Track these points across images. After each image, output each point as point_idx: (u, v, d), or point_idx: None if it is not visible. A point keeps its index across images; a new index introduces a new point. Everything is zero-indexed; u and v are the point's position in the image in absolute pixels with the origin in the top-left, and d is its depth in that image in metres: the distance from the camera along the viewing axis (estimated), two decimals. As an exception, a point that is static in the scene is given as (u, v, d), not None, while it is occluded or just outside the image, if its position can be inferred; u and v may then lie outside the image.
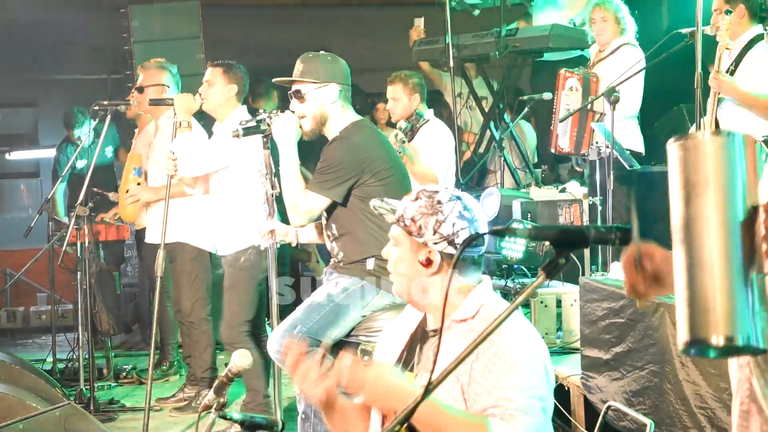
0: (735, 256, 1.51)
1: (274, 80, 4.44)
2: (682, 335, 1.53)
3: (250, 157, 5.21)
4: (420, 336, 2.58)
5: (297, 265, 7.98)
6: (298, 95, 4.23)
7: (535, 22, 7.51)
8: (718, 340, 1.49)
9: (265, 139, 4.29)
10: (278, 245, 4.44)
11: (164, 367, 6.91)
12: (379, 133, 4.46)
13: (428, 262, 2.48)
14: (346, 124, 4.26)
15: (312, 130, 4.26)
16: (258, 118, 4.32)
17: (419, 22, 7.69)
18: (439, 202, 2.48)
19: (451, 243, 2.45)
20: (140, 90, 6.03)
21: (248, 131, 4.30)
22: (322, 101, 4.21)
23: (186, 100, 5.32)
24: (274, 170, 4.30)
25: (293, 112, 4.25)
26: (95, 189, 6.44)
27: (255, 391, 5.28)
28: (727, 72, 5.14)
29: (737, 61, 5.25)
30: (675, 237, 1.54)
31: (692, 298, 1.51)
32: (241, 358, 2.70)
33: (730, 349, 1.52)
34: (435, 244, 2.47)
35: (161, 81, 6.00)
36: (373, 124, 4.53)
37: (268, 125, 4.25)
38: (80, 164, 7.92)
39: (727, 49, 5.16)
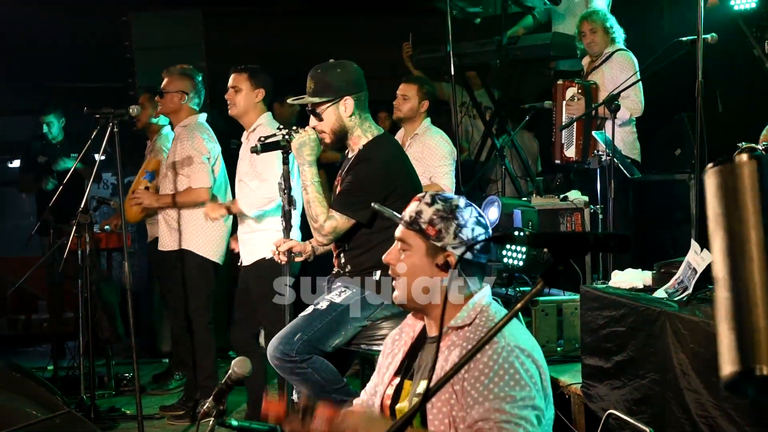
0: None
1: (289, 101, 4.41)
2: (725, 368, 1.37)
3: (272, 168, 5.20)
4: (419, 344, 2.58)
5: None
6: (314, 113, 4.18)
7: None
8: (762, 369, 1.34)
9: (284, 155, 4.23)
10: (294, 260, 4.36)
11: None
12: (400, 149, 4.39)
13: (446, 266, 2.49)
14: (368, 137, 4.19)
15: (333, 144, 4.21)
16: (278, 133, 4.27)
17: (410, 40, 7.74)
18: (457, 207, 2.50)
19: (470, 248, 2.46)
20: (161, 95, 6.00)
21: (267, 147, 4.26)
22: (339, 116, 4.15)
23: None
24: (292, 186, 4.24)
25: (314, 128, 4.19)
26: (98, 197, 6.45)
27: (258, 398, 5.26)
28: None
29: None
30: (715, 268, 1.45)
31: (734, 329, 1.37)
32: (241, 366, 2.70)
33: None
34: (454, 248, 2.47)
35: (182, 88, 5.97)
36: (392, 138, 4.48)
37: (288, 141, 4.19)
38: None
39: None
